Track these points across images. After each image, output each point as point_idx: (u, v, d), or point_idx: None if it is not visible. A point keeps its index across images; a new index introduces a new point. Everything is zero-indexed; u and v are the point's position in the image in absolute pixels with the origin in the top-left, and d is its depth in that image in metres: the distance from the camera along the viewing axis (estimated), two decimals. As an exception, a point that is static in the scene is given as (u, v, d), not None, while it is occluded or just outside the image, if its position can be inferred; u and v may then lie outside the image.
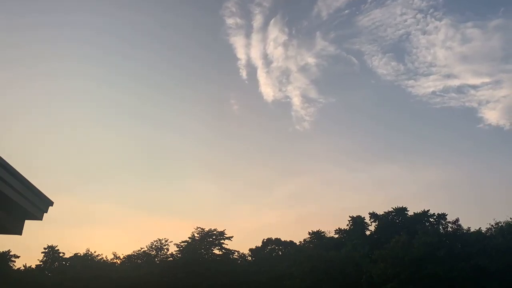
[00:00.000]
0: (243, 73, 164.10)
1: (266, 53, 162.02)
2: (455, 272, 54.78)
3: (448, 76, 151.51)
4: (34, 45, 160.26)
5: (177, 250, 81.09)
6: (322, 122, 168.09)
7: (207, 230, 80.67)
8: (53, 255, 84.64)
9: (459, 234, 64.06)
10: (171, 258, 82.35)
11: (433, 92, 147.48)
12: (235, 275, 71.95)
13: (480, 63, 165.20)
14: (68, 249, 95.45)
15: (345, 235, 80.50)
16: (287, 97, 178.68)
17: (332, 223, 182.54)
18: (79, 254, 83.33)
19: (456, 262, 55.63)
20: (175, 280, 71.09)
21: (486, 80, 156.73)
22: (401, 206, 77.76)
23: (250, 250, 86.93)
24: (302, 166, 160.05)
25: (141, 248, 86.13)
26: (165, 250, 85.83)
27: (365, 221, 79.75)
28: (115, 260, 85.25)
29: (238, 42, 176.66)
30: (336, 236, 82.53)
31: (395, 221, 77.20)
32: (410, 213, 76.74)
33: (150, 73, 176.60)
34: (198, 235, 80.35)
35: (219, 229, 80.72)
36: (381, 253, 61.06)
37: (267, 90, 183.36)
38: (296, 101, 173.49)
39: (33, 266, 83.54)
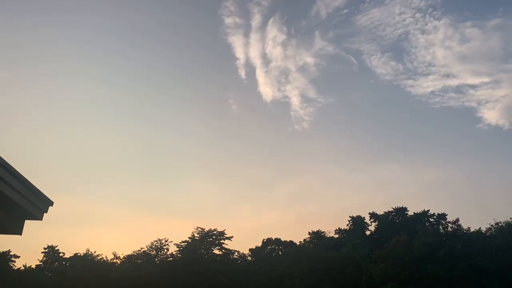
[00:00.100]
0: (242, 73, 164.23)
1: (265, 53, 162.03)
2: (455, 272, 54.78)
3: (447, 75, 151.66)
4: (34, 45, 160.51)
5: (177, 250, 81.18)
6: (322, 122, 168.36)
7: (207, 230, 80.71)
8: (53, 255, 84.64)
9: (459, 234, 64.06)
10: (171, 258, 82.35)
11: (432, 92, 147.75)
12: (235, 275, 71.95)
13: (479, 63, 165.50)
14: (68, 249, 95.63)
15: (345, 235, 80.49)
16: (286, 96, 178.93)
17: (332, 223, 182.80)
18: (79, 254, 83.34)
19: (456, 262, 55.63)
20: (175, 280, 71.09)
21: (485, 79, 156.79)
22: (401, 206, 77.83)
23: (250, 250, 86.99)
24: (302, 166, 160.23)
25: (141, 248, 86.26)
26: (165, 250, 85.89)
27: (365, 221, 79.75)
28: (115, 260, 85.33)
29: (236, 41, 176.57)
30: (336, 236, 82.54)
31: (395, 221, 77.19)
32: (410, 213, 76.79)
33: (150, 73, 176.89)
34: (198, 235, 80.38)
35: (219, 229, 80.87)
36: (381, 253, 61.06)
37: (266, 89, 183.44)
38: (295, 101, 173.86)
39: (33, 266, 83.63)
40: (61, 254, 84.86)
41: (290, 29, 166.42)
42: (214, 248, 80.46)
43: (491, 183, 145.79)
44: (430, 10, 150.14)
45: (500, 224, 63.07)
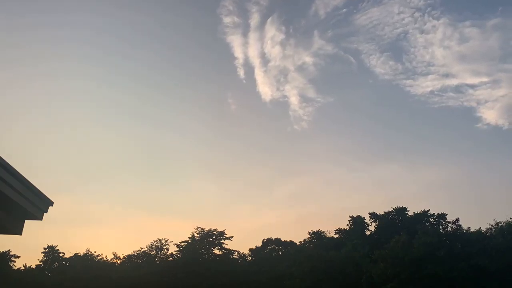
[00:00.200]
0: (241, 72, 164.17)
1: (263, 52, 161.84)
2: (455, 272, 54.78)
3: (446, 75, 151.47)
4: (34, 45, 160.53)
5: (177, 250, 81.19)
6: (321, 122, 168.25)
7: (207, 230, 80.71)
8: (53, 255, 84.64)
9: (459, 234, 64.06)
10: (171, 258, 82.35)
11: (432, 92, 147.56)
12: (235, 275, 71.95)
13: (478, 63, 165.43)
14: (68, 249, 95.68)
15: (345, 235, 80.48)
16: (285, 96, 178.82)
17: (332, 223, 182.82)
18: (79, 254, 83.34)
19: (456, 262, 55.62)
20: (175, 280, 71.09)
21: (485, 79, 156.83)
22: (401, 206, 77.84)
23: (250, 250, 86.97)
24: (301, 166, 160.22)
25: (141, 248, 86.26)
26: (165, 250, 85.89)
27: (365, 221, 79.74)
28: (115, 260, 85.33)
29: (235, 41, 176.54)
30: (336, 236, 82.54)
31: (395, 221, 77.18)
32: (410, 213, 76.77)
33: (150, 73, 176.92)
34: (198, 235, 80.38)
35: (219, 229, 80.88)
36: (381, 253, 61.05)
37: (265, 89, 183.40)
38: (294, 100, 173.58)
39: (33, 266, 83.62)
40: (61, 254, 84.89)
41: (289, 29, 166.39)
42: (214, 248, 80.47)
43: (491, 183, 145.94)
44: (429, 9, 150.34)
45: (500, 224, 63.11)
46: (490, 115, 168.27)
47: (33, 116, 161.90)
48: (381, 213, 78.41)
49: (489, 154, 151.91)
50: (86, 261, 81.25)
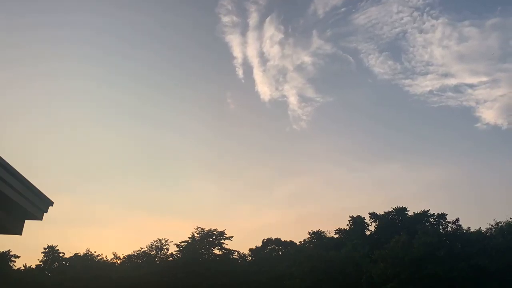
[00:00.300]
0: (240, 72, 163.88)
1: (262, 52, 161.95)
2: (455, 272, 54.78)
3: (445, 75, 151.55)
4: (34, 45, 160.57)
5: (177, 250, 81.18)
6: (320, 122, 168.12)
7: (207, 230, 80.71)
8: (53, 255, 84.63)
9: (459, 234, 64.06)
10: (171, 258, 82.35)
11: (431, 91, 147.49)
12: (235, 275, 71.95)
13: (477, 62, 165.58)
14: (68, 249, 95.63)
15: (345, 235, 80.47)
16: (284, 96, 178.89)
17: (332, 223, 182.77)
18: (79, 254, 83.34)
19: (456, 262, 55.62)
20: (175, 280, 71.09)
21: (484, 79, 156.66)
22: (401, 206, 77.85)
23: (250, 250, 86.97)
24: (301, 166, 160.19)
25: (141, 248, 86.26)
26: (165, 250, 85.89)
27: (365, 221, 79.74)
28: (115, 260, 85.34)
29: (234, 40, 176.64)
30: (336, 236, 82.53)
31: (395, 221, 77.18)
32: (410, 213, 76.77)
33: (150, 73, 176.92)
34: (198, 235, 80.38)
35: (219, 229, 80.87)
36: (381, 253, 61.05)
37: (264, 89, 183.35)
38: (293, 100, 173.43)
39: (33, 266, 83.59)
40: (61, 254, 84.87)
41: (288, 28, 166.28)
42: (214, 248, 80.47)
43: (491, 183, 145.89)
44: (427, 8, 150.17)
45: (500, 224, 63.12)
46: (489, 114, 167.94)
47: (33, 116, 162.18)
48: (381, 213, 78.50)
49: (489, 154, 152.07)
50: (86, 261, 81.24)
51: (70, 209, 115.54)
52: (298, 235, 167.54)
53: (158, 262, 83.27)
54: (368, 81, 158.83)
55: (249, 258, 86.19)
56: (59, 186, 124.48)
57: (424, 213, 75.13)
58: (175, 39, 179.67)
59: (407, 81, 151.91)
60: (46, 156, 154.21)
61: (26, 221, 8.80)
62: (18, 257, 78.30)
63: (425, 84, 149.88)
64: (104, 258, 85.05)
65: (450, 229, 68.62)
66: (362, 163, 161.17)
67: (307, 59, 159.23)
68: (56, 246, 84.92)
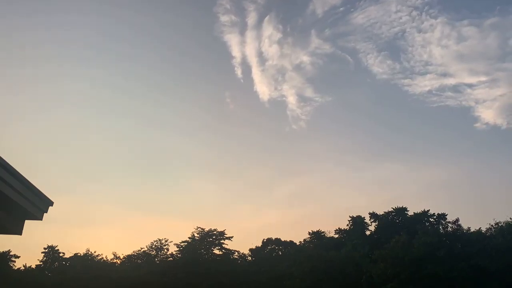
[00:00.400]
0: (238, 72, 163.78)
1: (261, 51, 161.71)
2: (455, 272, 54.78)
3: (444, 75, 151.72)
4: (34, 46, 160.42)
5: (177, 250, 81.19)
6: (319, 121, 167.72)
7: (207, 230, 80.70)
8: (53, 255, 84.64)
9: (459, 234, 64.05)
10: (171, 258, 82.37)
11: (430, 91, 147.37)
12: (235, 275, 71.94)
13: (476, 62, 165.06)
14: (68, 249, 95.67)
15: (345, 235, 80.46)
16: (283, 96, 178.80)
17: (332, 223, 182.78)
18: (79, 254, 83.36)
19: (456, 262, 55.62)
20: (175, 280, 71.09)
21: (483, 78, 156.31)
22: (401, 206, 77.85)
23: (250, 250, 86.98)
24: (301, 166, 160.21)
25: (141, 248, 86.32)
26: (165, 250, 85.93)
27: (365, 221, 79.73)
28: (115, 260, 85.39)
29: (232, 39, 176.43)
30: (336, 236, 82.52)
31: (395, 221, 77.18)
32: (410, 213, 76.77)
33: (150, 73, 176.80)
34: (198, 235, 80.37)
35: (219, 229, 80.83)
36: (381, 253, 61.05)
37: (263, 88, 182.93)
38: (292, 100, 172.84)
39: (33, 266, 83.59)
40: (61, 254, 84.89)
41: (286, 27, 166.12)
42: (214, 248, 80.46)
43: (491, 183, 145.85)
44: (426, 8, 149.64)
45: (500, 224, 63.10)
46: (488, 114, 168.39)
47: (33, 116, 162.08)
48: (381, 213, 78.49)
49: (489, 154, 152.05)
50: (86, 261, 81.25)
51: (70, 209, 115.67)
52: (298, 235, 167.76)
53: (158, 262, 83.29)
54: (367, 80, 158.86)
55: (249, 258, 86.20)
56: (59, 186, 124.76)
57: (424, 213, 75.14)
58: (173, 39, 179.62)
59: (406, 81, 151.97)
60: (46, 156, 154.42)
61: (26, 221, 8.80)
62: (18, 257, 78.39)
63: (424, 84, 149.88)
64: (104, 258, 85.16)
65: (450, 229, 68.64)
66: (362, 163, 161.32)
67: (305, 58, 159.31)
68: (56, 246, 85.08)
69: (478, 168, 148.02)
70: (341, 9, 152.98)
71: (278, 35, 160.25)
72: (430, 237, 59.77)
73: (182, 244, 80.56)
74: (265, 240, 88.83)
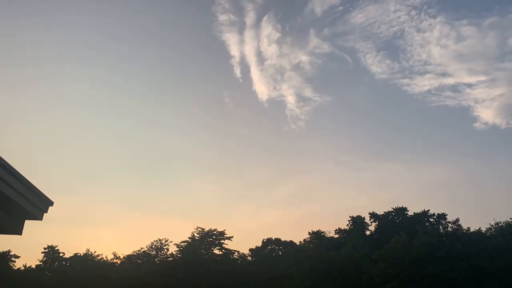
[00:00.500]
0: (237, 71, 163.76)
1: (259, 51, 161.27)
2: (455, 272, 54.78)
3: (443, 74, 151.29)
4: (34, 46, 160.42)
5: (177, 250, 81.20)
6: (318, 121, 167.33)
7: (207, 230, 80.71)
8: (53, 255, 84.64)
9: (459, 234, 64.04)
10: (171, 258, 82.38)
11: (429, 91, 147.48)
12: (235, 275, 71.94)
13: (475, 61, 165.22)
14: (68, 249, 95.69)
15: (345, 235, 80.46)
16: (282, 95, 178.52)
17: (332, 223, 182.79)
18: (79, 254, 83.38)
19: (456, 262, 55.61)
20: (175, 280, 71.09)
21: (482, 78, 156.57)
22: (401, 206, 77.84)
23: (250, 250, 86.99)
24: (301, 166, 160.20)
25: (141, 248, 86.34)
26: (165, 250, 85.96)
27: (365, 221, 79.70)
28: (115, 260, 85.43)
29: (231, 39, 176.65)
30: (336, 236, 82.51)
31: (395, 221, 77.16)
32: (410, 213, 76.75)
33: (150, 73, 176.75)
34: (198, 235, 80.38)
35: (219, 229, 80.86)
36: (381, 253, 61.05)
37: (262, 88, 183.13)
38: (291, 99, 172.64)
39: (33, 266, 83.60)
40: (61, 254, 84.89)
41: (285, 27, 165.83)
42: (214, 248, 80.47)
43: (491, 183, 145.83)
44: (425, 7, 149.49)
45: (500, 224, 63.08)
46: (487, 114, 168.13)
47: (33, 116, 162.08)
48: (381, 213, 78.45)
49: (488, 154, 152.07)
50: (86, 261, 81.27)
51: (70, 209, 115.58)
52: (298, 235, 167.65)
53: (158, 262, 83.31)
54: (366, 80, 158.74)
55: (249, 258, 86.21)
56: (59, 186, 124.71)
57: (424, 213, 75.12)
58: (173, 39, 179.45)
59: (405, 81, 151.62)
60: (46, 156, 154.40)
61: (26, 221, 8.80)
62: (18, 257, 78.37)
63: (423, 84, 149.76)
64: (104, 258, 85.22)
65: (450, 229, 68.62)
66: (362, 163, 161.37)
67: (304, 58, 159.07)
68: (56, 246, 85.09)
69: (478, 168, 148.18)
70: (340, 8, 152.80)
71: (276, 35, 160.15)
72: (430, 237, 59.76)
73: (182, 244, 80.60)
74: (265, 240, 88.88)
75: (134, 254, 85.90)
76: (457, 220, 68.77)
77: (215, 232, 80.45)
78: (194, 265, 73.45)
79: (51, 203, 8.64)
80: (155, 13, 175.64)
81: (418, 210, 76.02)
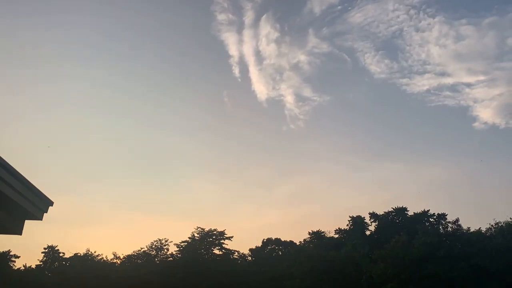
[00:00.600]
0: (236, 71, 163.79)
1: (258, 50, 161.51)
2: (455, 272, 54.78)
3: (443, 74, 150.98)
4: (34, 46, 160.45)
5: (177, 250, 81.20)
6: (317, 121, 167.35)
7: (207, 230, 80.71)
8: (53, 255, 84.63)
9: (459, 234, 64.05)
10: (171, 258, 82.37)
11: (428, 91, 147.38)
12: (235, 275, 71.94)
13: (474, 61, 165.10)
14: (68, 249, 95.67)
15: (345, 235, 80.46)
16: (281, 95, 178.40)
17: (332, 223, 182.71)
18: (79, 254, 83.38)
19: (456, 262, 55.61)
20: (175, 280, 71.09)
21: (481, 78, 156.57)
22: (401, 206, 77.84)
23: (250, 250, 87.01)
24: (301, 166, 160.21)
25: (141, 248, 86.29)
26: (165, 250, 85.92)
27: (365, 221, 79.71)
28: (115, 260, 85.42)
29: (230, 38, 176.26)
30: (336, 236, 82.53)
31: (395, 221, 77.16)
32: (410, 213, 76.77)
33: (150, 73, 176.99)
34: (198, 235, 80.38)
35: (219, 229, 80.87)
36: (381, 253, 61.05)
37: (260, 88, 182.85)
38: (290, 99, 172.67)
39: (33, 266, 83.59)
40: (61, 254, 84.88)
41: (284, 26, 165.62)
42: (214, 248, 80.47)
43: (491, 183, 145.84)
44: (424, 7, 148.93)
45: (500, 224, 63.09)
46: (486, 114, 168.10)
47: (33, 116, 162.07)
48: (381, 213, 78.48)
49: (488, 153, 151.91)
50: (86, 261, 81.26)
51: (70, 209, 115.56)
52: (298, 235, 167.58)
53: (158, 262, 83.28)
54: (365, 80, 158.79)
55: (249, 258, 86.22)
56: (59, 186, 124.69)
57: (424, 213, 75.12)
58: (172, 39, 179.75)
59: (404, 80, 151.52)
60: (46, 156, 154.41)
61: (26, 221, 8.79)
62: (18, 257, 78.38)
63: (422, 83, 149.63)
64: (104, 258, 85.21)
65: (450, 229, 68.64)
66: (362, 163, 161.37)
67: (303, 57, 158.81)
68: (56, 246, 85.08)
69: (477, 168, 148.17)
70: (339, 7, 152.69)
71: (275, 34, 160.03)
72: (430, 237, 59.76)
73: (182, 244, 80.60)
74: (265, 240, 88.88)
75: (134, 254, 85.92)
76: (457, 220, 68.93)
77: (215, 232, 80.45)
78: (194, 265, 73.45)
79: (51, 203, 8.64)
80: (154, 13, 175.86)
81: (418, 210, 76.18)
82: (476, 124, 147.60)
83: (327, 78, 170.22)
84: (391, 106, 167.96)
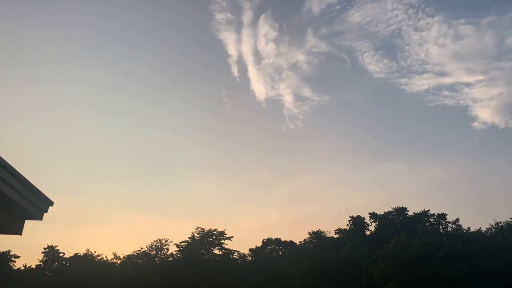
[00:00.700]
0: (235, 70, 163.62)
1: (257, 50, 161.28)
2: (455, 272, 54.77)
3: (442, 74, 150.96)
4: (34, 46, 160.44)
5: (177, 250, 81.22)
6: (317, 121, 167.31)
7: (207, 230, 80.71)
8: (53, 255, 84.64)
9: (459, 234, 64.04)
10: (171, 258, 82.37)
11: (427, 90, 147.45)
12: (235, 275, 71.94)
13: (473, 61, 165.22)
14: (68, 249, 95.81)
15: (345, 235, 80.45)
16: (280, 95, 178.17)
17: (332, 223, 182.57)
18: (79, 254, 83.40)
19: (456, 262, 55.61)
20: (175, 280, 71.09)
21: (480, 77, 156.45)
22: (401, 206, 77.80)
23: (250, 250, 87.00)
24: (301, 166, 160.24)
25: (141, 248, 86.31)
26: (165, 250, 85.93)
27: (365, 221, 79.69)
28: (115, 260, 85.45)
29: (228, 37, 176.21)
30: (336, 236, 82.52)
31: (395, 221, 77.14)
32: (410, 213, 76.73)
33: (149, 73, 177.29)
34: (198, 235, 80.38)
35: (219, 229, 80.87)
36: (381, 253, 61.04)
37: (259, 87, 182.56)
38: (289, 99, 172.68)
39: (33, 266, 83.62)
40: (61, 254, 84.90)
41: (282, 26, 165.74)
42: (214, 248, 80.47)
43: (490, 182, 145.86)
44: (422, 6, 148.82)
45: (500, 224, 63.08)
46: (486, 113, 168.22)
47: (33, 116, 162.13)
48: (381, 213, 78.45)
49: (488, 153, 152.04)
50: (86, 261, 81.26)
51: (70, 209, 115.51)
52: (298, 235, 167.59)
53: (158, 262, 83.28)
54: (364, 79, 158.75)
55: (249, 258, 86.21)
56: (59, 186, 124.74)
57: (424, 213, 75.08)
58: (172, 39, 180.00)
59: (403, 80, 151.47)
60: (46, 156, 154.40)
61: (26, 221, 8.79)
62: (18, 257, 78.39)
63: (421, 83, 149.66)
64: (104, 258, 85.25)
65: (450, 229, 68.63)
66: (362, 163, 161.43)
67: (302, 57, 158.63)
68: (56, 246, 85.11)
69: (477, 168, 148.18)
70: (337, 7, 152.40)
71: (274, 34, 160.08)
72: (430, 237, 59.75)
73: (182, 244, 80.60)
74: (265, 240, 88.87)
75: (134, 254, 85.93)
76: (457, 220, 68.94)
77: (215, 232, 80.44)
78: (194, 265, 73.44)
79: (51, 203, 8.64)
80: (154, 13, 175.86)
81: (418, 210, 76.13)
82: (475, 124, 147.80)
83: (326, 77, 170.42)
84: (390, 105, 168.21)
